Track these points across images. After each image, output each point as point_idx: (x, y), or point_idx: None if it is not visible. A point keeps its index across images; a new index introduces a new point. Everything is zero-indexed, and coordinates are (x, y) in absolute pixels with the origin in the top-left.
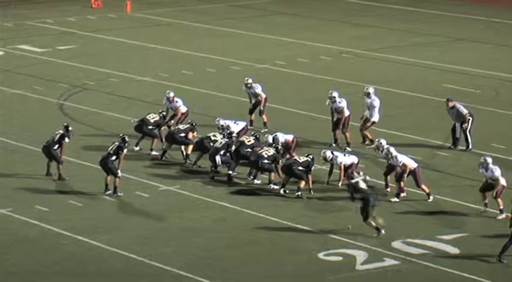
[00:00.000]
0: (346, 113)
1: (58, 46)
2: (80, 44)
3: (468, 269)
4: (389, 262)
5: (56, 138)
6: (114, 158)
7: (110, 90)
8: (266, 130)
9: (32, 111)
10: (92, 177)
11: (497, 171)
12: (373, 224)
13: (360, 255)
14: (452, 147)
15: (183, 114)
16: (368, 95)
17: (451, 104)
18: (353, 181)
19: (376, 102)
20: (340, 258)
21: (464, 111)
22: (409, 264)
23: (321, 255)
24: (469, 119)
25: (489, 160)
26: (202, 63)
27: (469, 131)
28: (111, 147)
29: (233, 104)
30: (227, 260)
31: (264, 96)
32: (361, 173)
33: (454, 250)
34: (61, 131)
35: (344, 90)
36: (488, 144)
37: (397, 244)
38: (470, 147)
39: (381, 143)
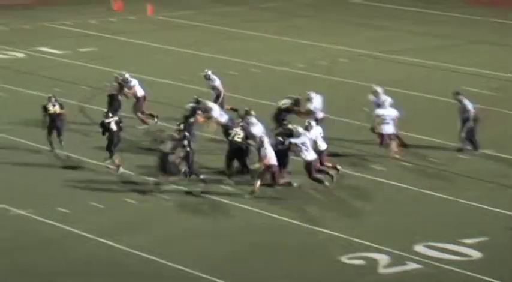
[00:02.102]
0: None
1: (78, 48)
2: (100, 46)
3: (491, 273)
4: (411, 266)
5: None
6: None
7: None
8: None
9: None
10: (112, 178)
11: None
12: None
13: (382, 259)
14: (473, 149)
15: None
16: (375, 93)
17: (458, 97)
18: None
19: (387, 101)
20: (362, 261)
21: (469, 106)
22: (431, 268)
23: (343, 258)
24: (474, 118)
25: None
26: (223, 65)
27: (472, 131)
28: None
29: (252, 105)
30: (250, 263)
31: (221, 89)
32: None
33: (476, 254)
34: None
35: (364, 92)
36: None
37: (419, 248)
38: (477, 148)
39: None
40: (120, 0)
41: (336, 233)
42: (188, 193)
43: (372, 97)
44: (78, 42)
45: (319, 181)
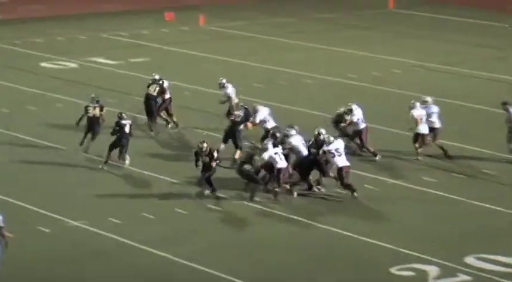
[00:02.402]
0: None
1: (131, 59)
2: (153, 57)
3: None
4: (462, 277)
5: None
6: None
7: (183, 103)
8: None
9: (105, 123)
10: (163, 189)
11: None
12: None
13: (432, 270)
14: None
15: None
16: (424, 102)
17: (506, 107)
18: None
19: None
20: (412, 273)
21: None
22: (482, 280)
23: (393, 270)
24: None
25: None
26: (275, 76)
27: None
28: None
29: (304, 116)
30: (299, 274)
31: (232, 97)
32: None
33: None
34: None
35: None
36: None
37: (470, 259)
38: None
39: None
40: (173, 11)
41: (385, 244)
42: (237, 204)
43: (419, 106)
44: (131, 53)
45: (352, 189)
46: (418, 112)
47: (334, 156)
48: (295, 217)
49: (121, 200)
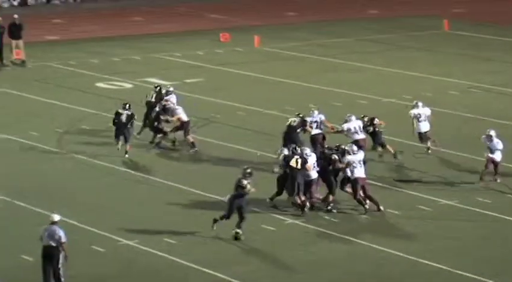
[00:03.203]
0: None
1: (186, 79)
2: (207, 77)
3: None
4: None
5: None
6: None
7: (236, 123)
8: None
9: (162, 144)
10: (216, 208)
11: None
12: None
13: None
14: None
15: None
16: (489, 137)
17: None
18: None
19: (500, 145)
20: None
21: None
22: None
23: None
24: None
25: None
26: (329, 96)
27: None
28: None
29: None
30: None
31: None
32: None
33: None
34: None
35: (472, 125)
36: None
37: None
38: None
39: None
40: (228, 32)
41: (440, 266)
42: (291, 224)
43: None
44: (185, 73)
45: (361, 203)
46: (416, 111)
47: (355, 167)
48: (350, 238)
49: (174, 219)
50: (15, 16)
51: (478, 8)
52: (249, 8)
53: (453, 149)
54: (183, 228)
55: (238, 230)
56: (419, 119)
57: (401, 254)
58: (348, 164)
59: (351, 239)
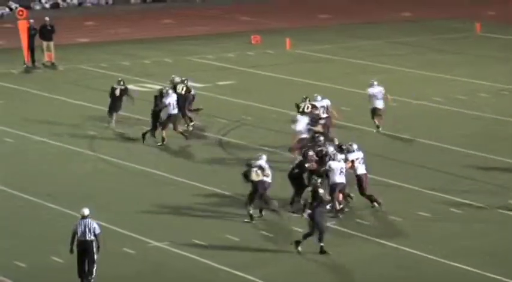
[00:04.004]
0: None
1: (217, 81)
2: (239, 80)
3: None
4: None
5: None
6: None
7: (269, 125)
8: None
9: (191, 146)
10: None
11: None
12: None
13: None
14: None
15: None
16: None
17: None
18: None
19: None
20: None
21: None
22: None
23: None
24: None
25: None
26: (359, 98)
27: None
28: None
29: (386, 140)
30: None
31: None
32: None
33: None
34: None
35: (503, 129)
36: None
37: None
38: None
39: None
40: (259, 35)
41: (472, 269)
42: None
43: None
44: (217, 75)
45: (372, 200)
46: (372, 90)
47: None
48: (375, 239)
49: (204, 221)
50: (46, 18)
51: (510, 11)
52: (281, 11)
53: (484, 151)
54: (212, 230)
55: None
56: (377, 97)
57: (432, 257)
58: (326, 170)
59: (382, 241)
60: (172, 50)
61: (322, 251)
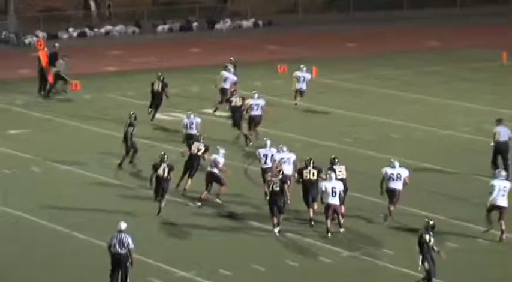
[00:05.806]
0: None
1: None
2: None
3: None
4: None
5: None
6: None
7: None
8: None
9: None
10: (272, 239)
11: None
12: None
13: None
14: None
15: None
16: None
17: None
18: None
19: None
20: None
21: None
22: None
23: None
24: None
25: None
26: (386, 128)
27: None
28: None
29: (417, 169)
30: None
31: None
32: None
33: None
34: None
35: None
36: None
37: None
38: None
39: None
40: (285, 64)
41: None
42: (348, 253)
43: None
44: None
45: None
46: (299, 73)
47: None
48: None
49: (230, 250)
50: (56, 45)
51: None
52: (308, 40)
53: None
54: (238, 260)
55: None
56: (300, 80)
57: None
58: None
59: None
60: (199, 78)
61: None
